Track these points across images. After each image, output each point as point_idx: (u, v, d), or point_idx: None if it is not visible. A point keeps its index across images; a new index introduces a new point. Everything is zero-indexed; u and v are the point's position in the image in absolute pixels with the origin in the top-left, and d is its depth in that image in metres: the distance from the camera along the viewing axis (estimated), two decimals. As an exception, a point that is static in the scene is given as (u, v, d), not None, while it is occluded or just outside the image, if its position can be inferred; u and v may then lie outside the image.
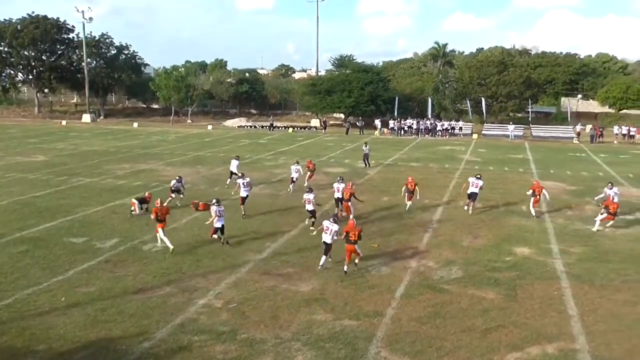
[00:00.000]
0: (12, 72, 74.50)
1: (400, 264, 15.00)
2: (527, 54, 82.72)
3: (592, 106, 69.45)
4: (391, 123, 57.84)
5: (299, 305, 12.17)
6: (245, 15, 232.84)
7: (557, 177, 29.38)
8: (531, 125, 57.86)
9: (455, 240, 17.26)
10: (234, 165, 25.31)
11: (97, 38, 73.37)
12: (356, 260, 14.44)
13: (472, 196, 21.03)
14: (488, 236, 17.77)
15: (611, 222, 18.72)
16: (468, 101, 64.16)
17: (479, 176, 21.58)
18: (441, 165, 33.35)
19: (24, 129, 56.28)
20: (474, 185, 20.99)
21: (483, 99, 61.81)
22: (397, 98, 62.68)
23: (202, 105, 76.02)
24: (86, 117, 68.38)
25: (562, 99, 70.99)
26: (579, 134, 51.63)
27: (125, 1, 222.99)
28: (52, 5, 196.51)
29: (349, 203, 19.27)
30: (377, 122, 57.45)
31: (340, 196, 19.48)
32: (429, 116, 62.25)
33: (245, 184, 20.22)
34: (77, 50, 73.64)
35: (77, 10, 66.77)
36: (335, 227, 14.32)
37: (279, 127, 61.08)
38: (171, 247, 15.46)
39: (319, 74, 75.70)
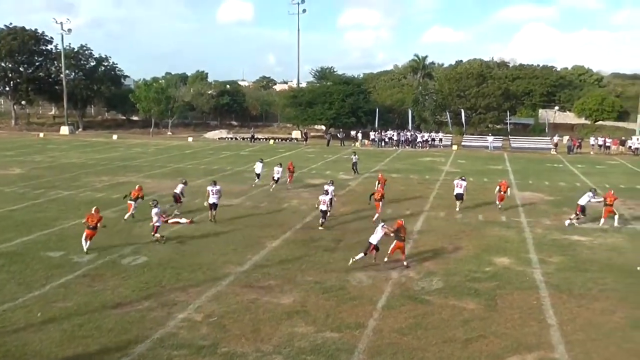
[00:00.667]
0: (-11, 84, 73.51)
1: (382, 275, 15.01)
2: (505, 66, 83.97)
3: (569, 118, 70.71)
4: (372, 135, 58.19)
5: (280, 318, 12.09)
6: (226, 27, 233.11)
7: (535, 188, 29.76)
8: (510, 137, 58.72)
9: (436, 251, 17.34)
10: (258, 167, 27.72)
11: (76, 49, 72.88)
12: (405, 262, 15.55)
13: (459, 196, 23.42)
14: (468, 247, 17.88)
15: (616, 217, 20.64)
16: (448, 113, 64.95)
17: (463, 178, 24.11)
18: (422, 177, 33.58)
19: (0, 141, 55.39)
20: (459, 186, 23.45)
21: (462, 111, 62.66)
22: (377, 110, 63.15)
23: (183, 117, 75.69)
24: (64, 129, 67.63)
25: (540, 110, 72.16)
26: (556, 145, 52.51)
27: (105, 12, 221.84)
28: (30, 16, 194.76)
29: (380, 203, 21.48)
30: (359, 135, 57.74)
31: (325, 208, 20.32)
32: (410, 128, 62.81)
33: (214, 191, 20.72)
34: (55, 62, 72.89)
35: (56, 22, 66.37)
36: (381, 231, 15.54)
37: (260, 139, 61.03)
38: (85, 250, 16.31)
39: (300, 85, 75.95)
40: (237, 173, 33.49)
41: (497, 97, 62.39)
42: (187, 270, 15.15)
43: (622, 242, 18.77)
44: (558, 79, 76.29)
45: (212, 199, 20.55)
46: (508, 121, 64.05)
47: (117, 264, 15.68)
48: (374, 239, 15.55)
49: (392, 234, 15.59)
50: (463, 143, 56.12)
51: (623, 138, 53.53)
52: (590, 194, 21.14)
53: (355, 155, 34.72)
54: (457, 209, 23.19)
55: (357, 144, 55.86)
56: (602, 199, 21.39)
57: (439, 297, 13.42)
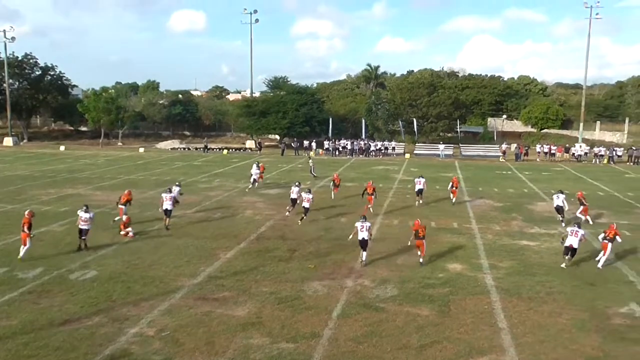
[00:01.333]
0: None
1: (337, 283, 15.05)
2: (455, 76, 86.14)
3: (516, 126, 72.97)
4: (326, 144, 58.50)
5: (235, 330, 11.95)
6: (177, 36, 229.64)
7: (485, 195, 30.51)
8: (460, 145, 60.10)
9: (390, 259, 17.51)
10: (254, 170, 29.10)
11: (20, 58, 70.42)
12: (421, 260, 16.80)
13: (419, 192, 26.84)
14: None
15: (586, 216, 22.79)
16: (400, 122, 65.95)
17: (422, 176, 27.55)
18: (375, 185, 33.83)
19: (-61, 153, 52.90)
20: (419, 183, 26.89)
21: (414, 120, 63.80)
22: (331, 119, 63.52)
23: (134, 128, 74.10)
24: (8, 141, 65.08)
25: (489, 119, 74.20)
26: (504, 152, 54.09)
27: (50, 21, 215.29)
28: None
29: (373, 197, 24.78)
30: (313, 144, 57.88)
31: (295, 197, 23.38)
32: (363, 137, 63.44)
33: (168, 197, 20.61)
34: (-2, 71, 70.27)
35: (-2, 30, 63.96)
36: (368, 224, 16.90)
37: (213, 149, 60.46)
38: (21, 255, 16.41)
39: (254, 95, 75.70)
40: (191, 184, 32.99)
41: (448, 106, 63.84)
42: (139, 283, 14.81)
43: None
44: (505, 89, 78.73)
45: (166, 205, 20.72)
46: (458, 129, 65.63)
47: (65, 279, 15.16)
48: (364, 235, 16.64)
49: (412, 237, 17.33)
50: (415, 151, 57.07)
51: (567, 145, 55.62)
52: (560, 194, 23.03)
53: (310, 160, 37.88)
54: (417, 204, 26.38)
55: (312, 153, 56.01)
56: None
57: (393, 304, 13.55)
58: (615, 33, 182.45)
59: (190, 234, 20.35)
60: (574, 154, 53.18)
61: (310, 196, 22.35)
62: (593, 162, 50.77)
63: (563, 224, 22.12)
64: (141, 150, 58.86)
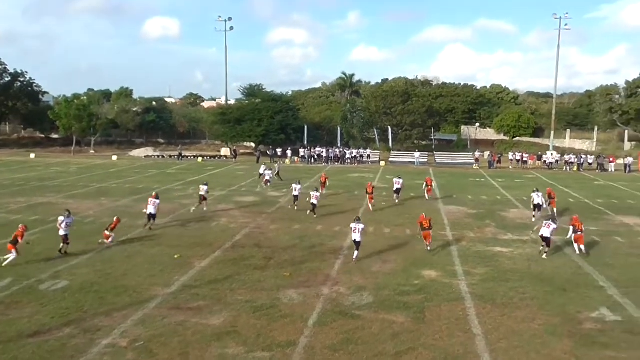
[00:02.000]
0: None
1: (313, 291, 15.02)
2: (428, 84, 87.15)
3: (489, 134, 74.04)
4: (301, 151, 58.53)
5: (210, 339, 11.82)
6: (151, 43, 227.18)
7: (459, 202, 30.82)
8: (435, 152, 60.72)
9: (366, 266, 17.54)
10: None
11: (-12, 64, 69.00)
12: (428, 247, 19.13)
13: (397, 191, 29.67)
14: (397, 261, 18.22)
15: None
16: (375, 130, 66.42)
17: (400, 177, 30.61)
18: (351, 193, 34.03)
19: None
20: (397, 183, 29.73)
21: (389, 128, 64.30)
22: (306, 127, 63.57)
23: (106, 135, 73.10)
24: (-24, 148, 63.68)
25: (462, 127, 75.19)
26: (477, 160, 54.80)
27: (19, 27, 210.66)
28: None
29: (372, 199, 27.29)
30: (288, 152, 57.82)
31: (297, 194, 26.81)
32: (338, 144, 63.66)
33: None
34: (-35, 77, 68.80)
35: (-33, 35, 62.71)
36: (361, 225, 18.08)
37: (188, 157, 59.94)
38: (4, 263, 16.53)
39: (229, 102, 75.38)
40: (165, 192, 32.63)
41: (422, 114, 64.49)
42: (112, 293, 14.57)
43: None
44: (478, 97, 79.89)
45: (150, 209, 21.89)
46: (433, 137, 66.36)
47: (35, 289, 14.84)
48: (356, 236, 17.88)
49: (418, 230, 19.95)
50: (390, 159, 57.44)
51: (539, 153, 56.59)
52: (539, 193, 25.73)
53: (276, 164, 41.67)
54: (396, 201, 29.50)
55: (287, 160, 55.95)
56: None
57: (369, 312, 13.57)
58: (583, 43, 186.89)
59: (165, 242, 20.12)
60: (545, 161, 54.10)
61: (317, 194, 25.43)
62: (564, 169, 51.74)
63: (534, 219, 24.34)
64: (114, 158, 58.04)
